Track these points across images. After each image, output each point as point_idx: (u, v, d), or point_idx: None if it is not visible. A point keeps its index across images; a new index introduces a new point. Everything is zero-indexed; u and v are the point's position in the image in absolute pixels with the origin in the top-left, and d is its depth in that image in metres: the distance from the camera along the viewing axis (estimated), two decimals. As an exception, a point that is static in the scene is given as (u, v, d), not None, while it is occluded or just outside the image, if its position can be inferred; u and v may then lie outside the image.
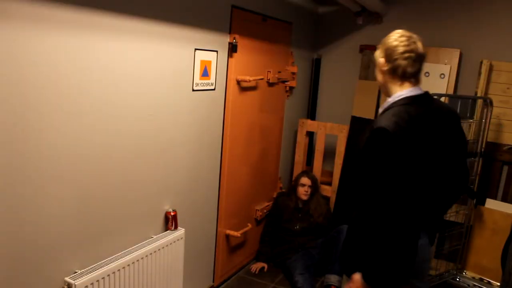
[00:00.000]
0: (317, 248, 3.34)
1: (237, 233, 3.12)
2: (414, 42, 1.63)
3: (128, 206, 2.19)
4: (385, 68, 1.67)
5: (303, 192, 3.41)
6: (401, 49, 1.61)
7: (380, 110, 1.70)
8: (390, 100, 1.66)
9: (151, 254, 2.25)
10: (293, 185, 3.52)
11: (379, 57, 1.70)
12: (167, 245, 2.36)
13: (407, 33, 1.65)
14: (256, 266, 3.41)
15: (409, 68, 1.62)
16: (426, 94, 1.68)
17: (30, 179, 1.68)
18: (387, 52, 1.65)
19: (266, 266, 3.44)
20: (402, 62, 1.61)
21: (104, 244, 2.08)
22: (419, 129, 1.56)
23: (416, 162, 1.53)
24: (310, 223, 3.38)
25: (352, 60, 3.93)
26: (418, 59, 1.64)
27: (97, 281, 1.93)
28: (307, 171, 3.62)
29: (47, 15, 1.63)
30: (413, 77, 1.65)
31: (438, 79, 3.43)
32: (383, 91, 1.76)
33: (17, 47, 1.55)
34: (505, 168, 3.32)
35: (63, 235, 1.85)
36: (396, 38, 1.64)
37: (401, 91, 1.64)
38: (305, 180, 3.44)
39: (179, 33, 2.32)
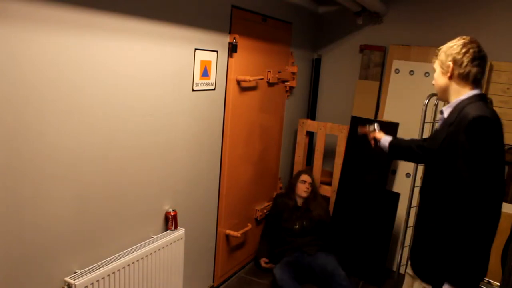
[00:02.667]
0: (312, 256, 3.27)
1: (237, 233, 3.12)
2: (482, 50, 1.71)
3: (128, 206, 2.19)
4: (455, 72, 1.71)
5: (304, 189, 3.40)
6: (471, 56, 1.68)
7: (448, 109, 1.74)
8: (462, 97, 1.70)
9: (151, 254, 2.25)
10: (291, 183, 3.51)
11: (446, 61, 1.73)
12: (167, 245, 2.36)
13: (474, 40, 1.73)
14: (265, 266, 3.42)
15: (479, 75, 1.70)
16: (485, 95, 1.76)
17: (30, 179, 1.68)
18: (456, 57, 1.70)
19: (271, 265, 3.43)
20: (473, 69, 1.68)
21: (104, 244, 2.08)
22: (499, 124, 1.63)
23: (502, 155, 1.61)
24: (310, 220, 3.37)
25: (352, 60, 3.94)
26: (485, 66, 1.73)
27: (97, 281, 1.93)
28: (305, 169, 3.62)
29: (47, 15, 1.63)
30: (480, 83, 1.73)
31: (438, 79, 3.43)
32: (443, 94, 1.80)
33: (17, 47, 1.55)
34: (505, 168, 3.32)
35: (63, 235, 1.86)
36: (465, 43, 1.70)
37: (472, 91, 1.70)
38: (305, 177, 3.43)
39: (179, 33, 2.33)
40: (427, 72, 3.48)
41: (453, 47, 1.71)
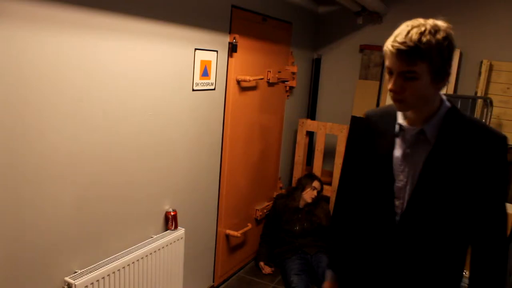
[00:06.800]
0: (314, 256, 3.27)
1: (237, 233, 3.12)
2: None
3: (128, 206, 2.19)
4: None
5: (312, 195, 3.38)
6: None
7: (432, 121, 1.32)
8: (448, 104, 1.35)
9: (151, 254, 2.25)
10: (301, 184, 3.47)
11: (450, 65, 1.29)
12: (167, 245, 2.36)
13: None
14: (266, 271, 3.41)
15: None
16: None
17: (30, 179, 1.68)
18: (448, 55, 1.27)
19: (272, 270, 3.43)
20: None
21: (104, 244, 2.08)
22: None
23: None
24: (311, 223, 3.37)
25: (352, 60, 3.93)
26: None
27: (97, 281, 1.93)
28: (315, 174, 3.59)
29: (47, 15, 1.63)
30: None
31: (438, 79, 3.42)
32: (423, 105, 1.30)
33: (16, 47, 1.55)
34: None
35: (63, 235, 1.86)
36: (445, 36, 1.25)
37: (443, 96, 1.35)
38: (317, 184, 3.42)
39: (179, 33, 2.32)
40: (427, 72, 3.47)
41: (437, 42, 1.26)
